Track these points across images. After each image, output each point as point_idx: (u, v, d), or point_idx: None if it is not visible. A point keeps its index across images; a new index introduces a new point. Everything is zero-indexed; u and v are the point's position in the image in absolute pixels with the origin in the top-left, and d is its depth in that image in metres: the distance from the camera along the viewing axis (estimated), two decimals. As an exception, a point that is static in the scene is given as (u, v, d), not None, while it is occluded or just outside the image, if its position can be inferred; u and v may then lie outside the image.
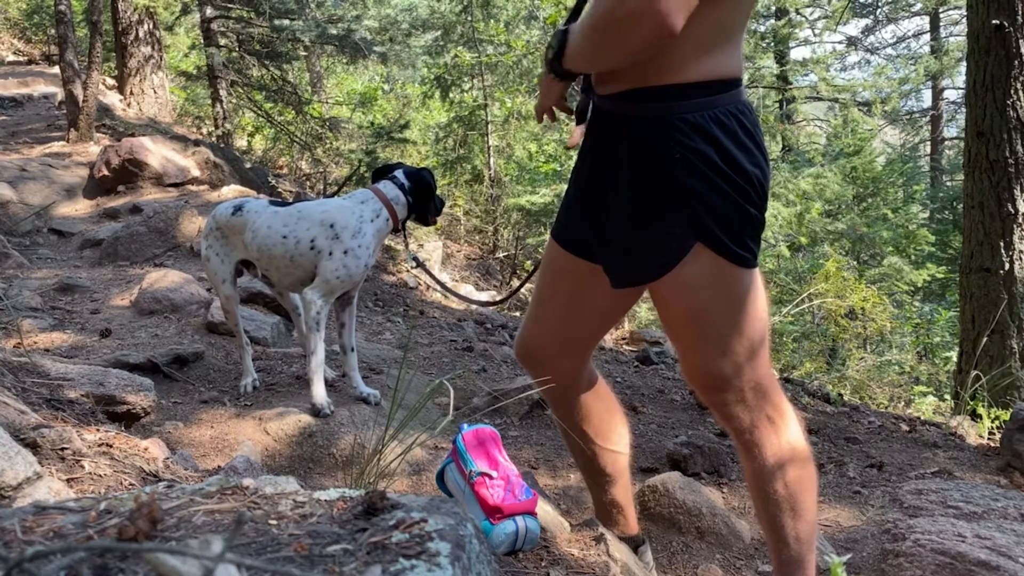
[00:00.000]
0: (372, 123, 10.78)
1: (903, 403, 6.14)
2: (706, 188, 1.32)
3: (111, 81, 11.00)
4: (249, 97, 10.24)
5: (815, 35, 16.88)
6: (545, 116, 1.60)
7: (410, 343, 4.20)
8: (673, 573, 2.22)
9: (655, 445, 3.22)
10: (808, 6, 15.74)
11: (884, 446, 3.43)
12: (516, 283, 9.06)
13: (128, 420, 2.44)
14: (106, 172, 6.50)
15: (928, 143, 18.39)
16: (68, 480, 1.44)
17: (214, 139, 9.33)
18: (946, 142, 17.97)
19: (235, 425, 2.68)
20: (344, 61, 11.97)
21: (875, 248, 11.60)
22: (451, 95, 11.14)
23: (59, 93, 9.02)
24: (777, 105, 15.52)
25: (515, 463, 1.70)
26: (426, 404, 2.04)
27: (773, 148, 14.11)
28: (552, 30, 9.99)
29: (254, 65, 9.90)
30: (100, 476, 1.51)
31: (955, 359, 5.56)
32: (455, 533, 0.74)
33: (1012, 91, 4.58)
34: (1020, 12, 4.57)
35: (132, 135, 7.26)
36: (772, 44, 14.08)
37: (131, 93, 10.18)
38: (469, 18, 10.46)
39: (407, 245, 3.17)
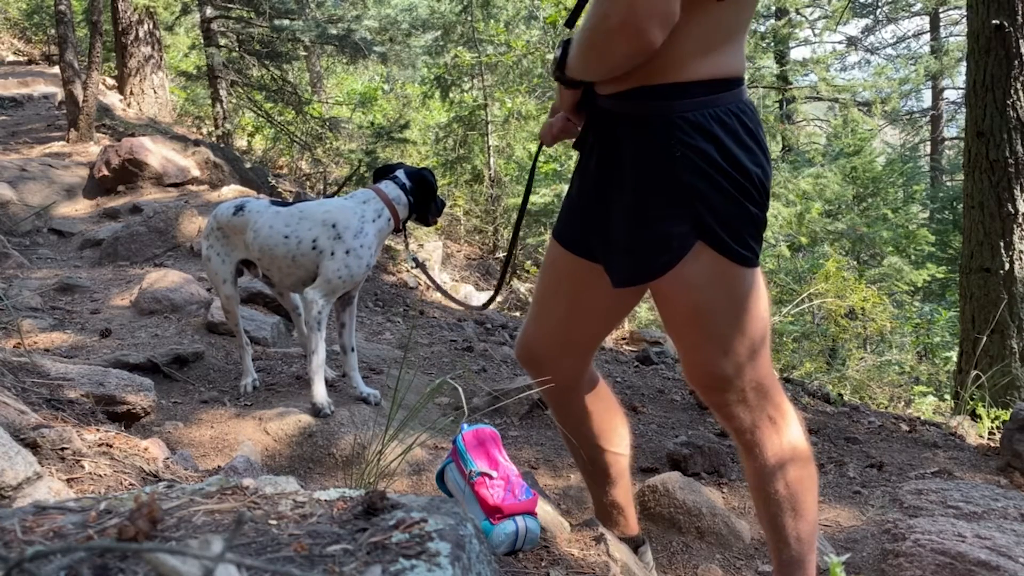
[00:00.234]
0: (372, 123, 10.78)
1: (903, 403, 6.14)
2: (707, 187, 1.32)
3: (111, 81, 11.00)
4: (249, 97, 10.24)
5: (815, 35, 16.89)
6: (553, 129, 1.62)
7: (410, 343, 4.21)
8: (673, 573, 2.22)
9: (655, 445, 3.22)
10: (808, 6, 15.75)
11: (884, 446, 3.43)
12: (516, 283, 9.06)
13: (128, 420, 2.44)
14: (106, 172, 6.50)
15: (928, 143, 18.39)
16: (68, 480, 1.44)
17: (214, 139, 9.33)
18: (946, 142, 17.97)
19: (235, 425, 2.68)
20: (344, 61, 11.98)
21: (875, 248, 11.60)
22: (451, 95, 11.14)
23: (59, 93, 9.02)
24: (777, 105, 15.52)
25: (515, 463, 1.70)
26: (426, 404, 2.04)
27: (773, 148, 14.11)
28: (552, 30, 10.01)
29: (254, 65, 9.90)
30: (100, 476, 1.51)
31: (955, 359, 5.56)
32: (455, 533, 0.74)
33: (1012, 91, 4.58)
34: (1020, 12, 4.57)
35: (132, 135, 7.26)
36: (772, 44, 14.09)
37: (131, 93, 10.18)
38: (469, 18, 10.46)
39: (407, 245, 3.17)
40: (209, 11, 9.46)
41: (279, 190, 8.21)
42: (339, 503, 0.83)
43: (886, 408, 5.41)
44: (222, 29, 9.68)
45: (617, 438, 1.78)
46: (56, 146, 7.41)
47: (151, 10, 10.06)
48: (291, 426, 2.66)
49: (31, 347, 3.10)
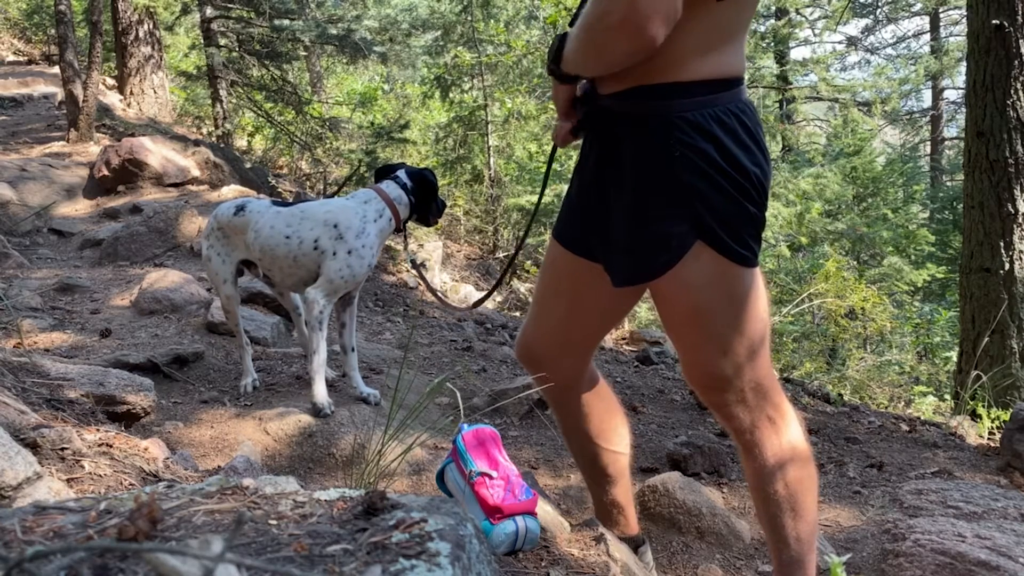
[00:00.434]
0: (372, 123, 10.78)
1: (903, 403, 6.14)
2: (706, 186, 1.32)
3: (111, 81, 11.00)
4: (249, 97, 10.24)
5: (815, 35, 16.89)
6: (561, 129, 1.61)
7: (410, 343, 4.21)
8: (673, 573, 2.22)
9: (655, 445, 3.22)
10: (808, 6, 15.74)
11: (884, 446, 3.43)
12: (516, 283, 9.06)
13: (128, 420, 2.44)
14: (106, 172, 6.50)
15: (928, 143, 18.39)
16: (68, 480, 1.44)
17: (214, 139, 9.33)
18: (946, 142, 17.97)
19: (235, 425, 2.68)
20: (344, 61, 11.98)
21: (875, 248, 11.60)
22: (451, 95, 11.13)
23: (59, 93, 9.02)
24: (777, 105, 15.52)
25: (515, 463, 1.70)
26: (426, 404, 2.04)
27: (773, 148, 14.12)
28: (552, 30, 10.01)
29: (254, 65, 9.90)
30: (100, 476, 1.51)
31: (955, 359, 5.56)
32: (455, 533, 0.74)
33: (1012, 91, 4.58)
34: (1020, 12, 4.57)
35: (132, 135, 7.26)
36: (772, 44, 14.09)
37: (131, 93, 10.18)
38: (469, 18, 10.46)
39: (407, 246, 3.17)
40: (209, 11, 9.46)
41: (279, 190, 8.21)
42: (339, 503, 0.83)
43: (886, 408, 5.41)
44: (222, 29, 9.68)
45: (617, 437, 1.78)
46: (56, 146, 7.42)
47: (151, 10, 10.06)
48: (291, 426, 2.66)
49: (31, 347, 3.10)
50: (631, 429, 1.86)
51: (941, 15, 17.71)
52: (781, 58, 15.28)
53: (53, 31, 10.06)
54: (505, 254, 10.17)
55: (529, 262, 9.53)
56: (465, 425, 1.67)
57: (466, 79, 10.96)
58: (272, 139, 11.19)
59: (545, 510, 1.72)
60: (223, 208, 2.89)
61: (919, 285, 10.81)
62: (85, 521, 0.75)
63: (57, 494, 1.27)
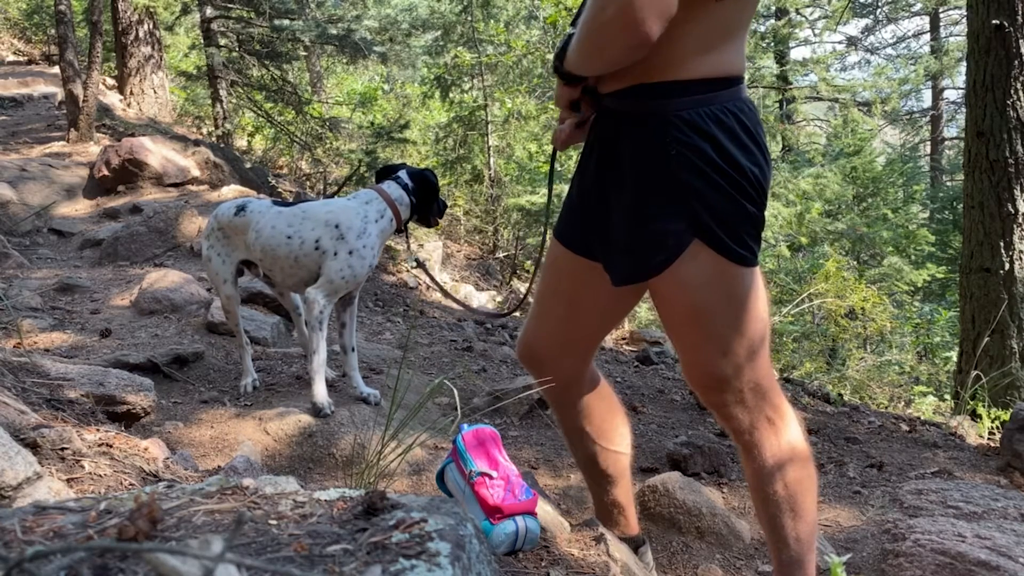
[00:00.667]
0: (372, 123, 10.77)
1: (903, 403, 6.14)
2: (703, 185, 1.32)
3: (111, 81, 11.00)
4: (249, 97, 10.24)
5: (815, 35, 16.89)
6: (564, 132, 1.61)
7: (410, 343, 4.21)
8: (673, 573, 2.22)
9: (655, 445, 3.22)
10: (808, 6, 15.75)
11: (884, 446, 3.44)
12: (516, 283, 9.06)
13: (128, 420, 2.44)
14: (106, 172, 6.51)
15: (928, 143, 18.39)
16: (68, 480, 1.44)
17: (214, 139, 9.33)
18: (946, 142, 17.97)
19: (235, 425, 2.68)
20: (344, 61, 11.98)
21: (875, 248, 11.60)
22: (451, 95, 11.13)
23: (59, 93, 9.02)
24: (777, 105, 15.53)
25: (515, 463, 1.70)
26: (426, 404, 2.04)
27: (773, 148, 14.11)
28: (552, 30, 10.01)
29: (254, 65, 9.89)
30: (100, 476, 1.51)
31: (955, 359, 5.56)
32: (455, 533, 0.74)
33: (1012, 91, 4.58)
34: (1020, 12, 4.57)
35: (132, 135, 7.26)
36: (772, 44, 14.09)
37: (131, 93, 10.18)
38: (469, 18, 10.46)
39: (409, 246, 3.17)
40: (209, 11, 9.46)
41: (279, 190, 8.21)
42: (339, 503, 0.83)
43: (886, 408, 5.41)
44: (222, 29, 9.68)
45: (618, 437, 1.78)
46: (56, 146, 7.42)
47: (151, 10, 10.06)
48: (291, 426, 2.66)
49: (31, 347, 3.10)
50: (631, 429, 1.86)
51: (941, 15, 17.71)
52: (781, 58, 15.28)
53: (53, 31, 10.06)
54: (505, 254, 10.17)
55: (529, 262, 9.53)
56: (465, 425, 1.67)
57: (466, 79, 10.97)
58: (272, 139, 11.19)
59: (545, 510, 1.72)
60: (223, 208, 2.89)
61: (919, 285, 10.81)
62: (85, 521, 0.75)
63: (57, 494, 1.27)
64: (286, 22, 9.35)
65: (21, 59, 12.49)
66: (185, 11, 10.66)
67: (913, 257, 11.75)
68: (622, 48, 1.26)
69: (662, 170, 1.34)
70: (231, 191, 6.34)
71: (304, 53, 11.28)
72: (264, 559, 0.68)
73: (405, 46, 10.46)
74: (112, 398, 2.37)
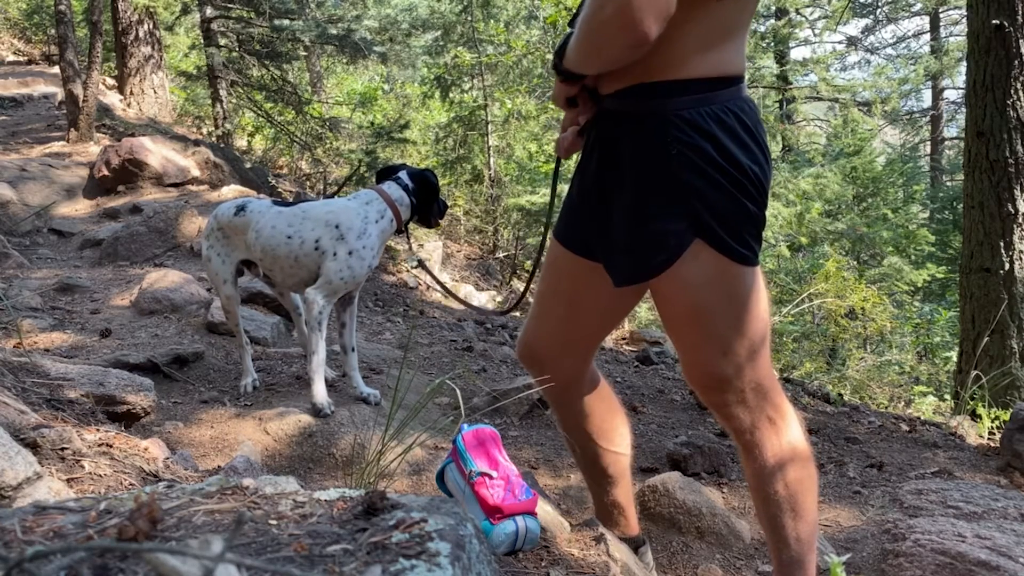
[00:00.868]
0: (372, 123, 10.77)
1: (903, 403, 6.14)
2: (704, 184, 1.32)
3: (111, 81, 11.00)
4: (249, 97, 10.24)
5: (815, 35, 16.89)
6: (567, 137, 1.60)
7: (410, 343, 4.21)
8: (673, 573, 2.22)
9: (655, 445, 3.22)
10: (808, 6, 15.75)
11: (884, 446, 3.44)
12: (516, 283, 9.06)
13: (128, 420, 2.44)
14: (106, 172, 6.51)
15: (928, 143, 18.39)
16: (68, 480, 1.44)
17: (214, 139, 9.33)
18: (946, 142, 17.97)
19: (235, 425, 2.68)
20: (344, 61, 11.98)
21: (875, 248, 11.61)
22: (451, 95, 11.14)
23: (59, 93, 9.02)
24: (777, 105, 15.53)
25: (515, 463, 1.70)
26: (426, 404, 2.04)
27: (773, 148, 14.09)
28: (552, 30, 10.01)
29: (254, 65, 9.90)
30: (100, 476, 1.51)
31: (955, 359, 5.56)
32: (455, 533, 0.74)
33: (1012, 91, 4.58)
34: (1020, 12, 4.57)
35: (132, 135, 7.26)
36: (772, 44, 14.10)
37: (131, 93, 10.18)
38: (469, 18, 10.46)
39: (410, 246, 3.17)
40: (209, 11, 9.46)
41: (279, 190, 8.21)
42: (339, 503, 0.83)
43: (886, 408, 5.41)
44: (222, 29, 9.68)
45: (618, 438, 1.78)
46: (56, 146, 7.42)
47: (151, 10, 10.06)
48: (291, 426, 2.66)
49: (31, 347, 3.10)
50: (631, 429, 1.86)
51: (941, 15, 17.71)
52: (781, 58, 15.29)
53: (53, 31, 10.06)
54: (505, 254, 10.17)
55: (529, 262, 9.53)
56: (465, 425, 1.67)
57: (466, 79, 10.97)
58: (272, 139, 11.19)
59: (545, 510, 1.72)
60: (223, 208, 2.89)
61: (919, 285, 10.82)
62: (85, 521, 0.75)
63: (57, 494, 1.27)
64: (286, 22, 9.35)
65: (21, 59, 12.49)
66: (185, 11, 10.67)
67: (913, 257, 11.76)
68: (620, 47, 1.26)
69: (663, 170, 1.34)
70: (231, 191, 6.34)
71: (304, 53, 11.28)
72: (264, 559, 0.68)
73: (405, 46, 10.47)
74: (112, 398, 2.37)
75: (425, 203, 2.83)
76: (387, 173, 2.88)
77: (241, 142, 11.12)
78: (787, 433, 1.52)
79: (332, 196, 7.02)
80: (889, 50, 19.00)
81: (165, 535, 0.72)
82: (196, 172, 6.90)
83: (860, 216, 11.77)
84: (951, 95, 17.82)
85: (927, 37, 18.48)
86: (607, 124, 1.45)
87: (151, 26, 10.19)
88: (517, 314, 6.62)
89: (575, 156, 1.61)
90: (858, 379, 6.58)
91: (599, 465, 1.78)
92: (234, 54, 9.71)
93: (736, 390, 1.47)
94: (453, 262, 9.39)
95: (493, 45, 10.58)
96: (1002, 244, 4.63)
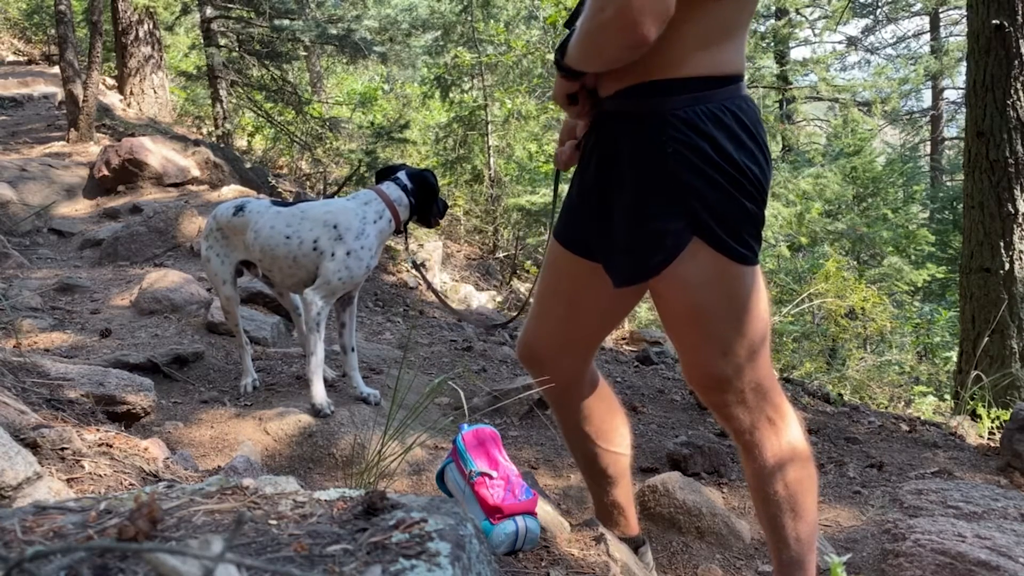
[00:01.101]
0: (372, 123, 10.77)
1: (903, 403, 6.14)
2: (702, 183, 1.32)
3: (111, 81, 11.00)
4: (249, 97, 10.24)
5: (815, 35, 16.89)
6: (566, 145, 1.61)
7: (410, 343, 4.20)
8: (673, 573, 2.22)
9: (655, 445, 3.22)
10: (808, 6, 15.75)
11: (884, 446, 3.44)
12: (516, 283, 9.06)
13: (128, 420, 2.44)
14: (106, 172, 6.51)
15: (928, 143, 18.39)
16: (68, 480, 1.44)
17: (214, 139, 9.33)
18: (946, 142, 17.97)
19: (235, 425, 2.68)
20: (344, 61, 11.98)
21: (875, 248, 11.60)
22: (451, 95, 11.13)
23: (59, 93, 9.02)
24: (777, 105, 15.53)
25: (515, 463, 1.70)
26: (426, 404, 2.04)
27: (773, 148, 14.09)
28: (552, 30, 10.01)
29: (254, 65, 9.89)
30: (100, 476, 1.51)
31: (955, 359, 5.56)
32: (455, 533, 0.74)
33: (1012, 91, 4.58)
34: (1020, 12, 4.57)
35: (132, 135, 7.26)
36: (772, 44, 14.10)
37: (131, 93, 10.18)
38: (469, 18, 10.46)
39: (408, 247, 3.17)
40: (209, 11, 9.46)
41: (279, 190, 8.21)
42: (339, 503, 0.83)
43: (886, 408, 5.41)
44: (222, 29, 9.68)
45: (618, 438, 1.78)
46: (56, 146, 7.42)
47: (151, 10, 10.06)
48: (291, 426, 2.66)
49: (31, 347, 3.10)
50: (631, 429, 1.86)
51: (941, 15, 17.71)
52: (781, 58, 15.29)
53: (53, 31, 10.06)
54: (505, 254, 10.17)
55: (529, 262, 9.53)
56: (465, 425, 1.67)
57: (466, 79, 10.96)
58: (272, 139, 11.19)
59: (545, 510, 1.72)
60: (222, 208, 2.89)
61: (919, 285, 10.81)
62: (85, 521, 0.75)
63: (57, 494, 1.27)
64: (286, 22, 9.35)
65: (21, 59, 12.49)
66: (185, 11, 10.67)
67: (913, 257, 11.75)
68: (619, 47, 1.27)
69: (660, 169, 1.34)
70: (231, 191, 6.34)
71: (304, 53, 11.28)
72: (264, 559, 0.68)
73: (405, 46, 10.47)
74: (112, 398, 2.37)
75: (424, 203, 2.83)
76: (386, 173, 2.88)
77: (241, 142, 11.12)
78: (787, 433, 1.52)
79: (332, 196, 7.02)
80: (889, 50, 19.02)
81: (165, 535, 0.72)
82: (196, 172, 6.90)
83: (860, 216, 11.77)
84: (951, 95, 17.83)
85: (927, 37, 18.49)
86: (607, 125, 1.45)
87: (151, 26, 10.19)
88: (517, 314, 6.61)
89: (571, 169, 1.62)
90: (858, 379, 6.58)
91: (599, 465, 1.78)
92: (234, 54, 9.71)
93: (736, 390, 1.47)
94: (453, 262, 9.38)
95: (493, 45, 10.58)
96: (1002, 244, 4.63)
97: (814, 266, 9.32)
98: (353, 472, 2.39)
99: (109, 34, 10.29)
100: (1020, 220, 4.60)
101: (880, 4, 17.87)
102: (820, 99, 15.35)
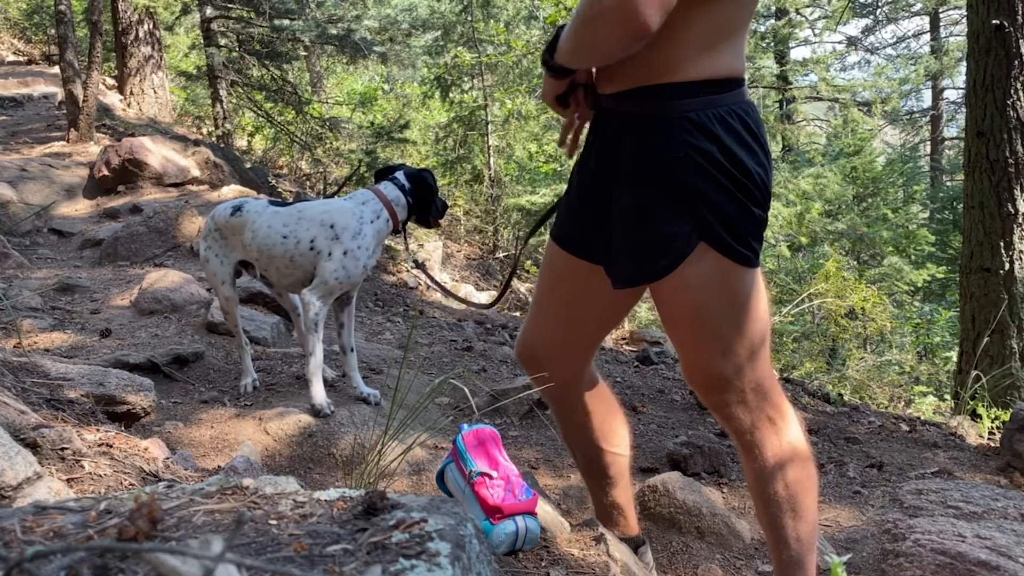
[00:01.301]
0: (372, 123, 10.77)
1: (903, 403, 6.14)
2: (709, 187, 1.32)
3: (111, 81, 11.00)
4: (249, 97, 10.24)
5: (815, 35, 16.89)
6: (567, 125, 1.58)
7: (410, 343, 4.20)
8: (673, 573, 2.22)
9: (655, 445, 3.22)
10: (808, 6, 15.75)
11: (884, 446, 3.44)
12: (516, 283, 9.06)
13: (128, 420, 2.44)
14: (106, 172, 6.50)
15: (928, 143, 18.40)
16: (68, 480, 1.44)
17: (214, 139, 9.33)
18: (946, 142, 17.98)
19: (235, 425, 2.68)
20: (344, 61, 11.97)
21: (875, 248, 11.61)
22: (451, 95, 11.14)
23: (59, 93, 9.02)
24: (777, 105, 15.54)
25: (515, 463, 1.70)
26: (426, 404, 2.04)
27: (773, 148, 14.10)
28: (552, 30, 10.00)
29: (254, 65, 9.89)
30: (100, 476, 1.51)
31: (955, 359, 5.56)
32: (455, 533, 0.74)
33: (1012, 91, 4.58)
34: (1020, 12, 4.57)
35: (132, 135, 7.26)
36: (772, 44, 14.10)
37: (131, 93, 10.18)
38: (469, 18, 10.46)
39: (407, 246, 3.17)
40: (209, 11, 9.46)
41: (279, 190, 8.21)
42: (339, 503, 0.83)
43: (886, 408, 5.40)
44: (222, 29, 9.68)
45: (617, 438, 1.78)
46: (56, 146, 7.41)
47: (151, 10, 10.05)
48: (291, 426, 2.66)
49: (31, 347, 3.10)
50: (631, 429, 1.85)
51: (941, 15, 17.71)
52: (781, 58, 15.29)
53: (53, 31, 10.05)
54: (505, 254, 10.17)
55: (529, 262, 9.53)
56: (465, 425, 1.67)
57: (466, 79, 10.97)
58: (272, 139, 11.19)
59: (545, 510, 1.72)
60: (220, 209, 2.88)
61: (919, 285, 10.81)
62: (85, 521, 0.75)
63: (57, 494, 1.27)
64: (286, 22, 9.35)
65: (21, 59, 12.49)
66: (185, 11, 10.67)
67: (913, 257, 11.75)
68: (618, 39, 1.22)
69: (667, 172, 1.33)
70: (231, 191, 6.34)
71: (304, 53, 11.28)
72: (264, 559, 0.68)
73: (405, 46, 10.46)
74: (112, 398, 2.37)
75: (422, 202, 2.83)
76: (385, 173, 2.88)
77: (241, 142, 11.12)
78: (787, 433, 1.52)
79: (332, 196, 7.02)
80: (889, 50, 19.02)
81: (165, 535, 0.72)
82: (196, 172, 6.90)
83: (860, 216, 11.77)
84: (951, 95, 17.84)
85: (927, 37, 18.49)
86: (607, 124, 1.45)
87: (151, 26, 10.19)
88: (517, 314, 6.61)
89: (575, 157, 1.61)
90: (858, 379, 6.58)
91: (598, 465, 1.78)
92: (234, 54, 9.71)
93: (736, 390, 1.47)
94: (453, 262, 9.39)
95: (493, 45, 10.58)
96: (1002, 244, 4.63)
97: (814, 266, 9.32)
98: (353, 472, 2.39)
99: (109, 34, 10.28)
100: (1020, 220, 4.60)
101: (880, 4, 17.87)
102: (820, 99, 15.36)
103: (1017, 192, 4.59)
